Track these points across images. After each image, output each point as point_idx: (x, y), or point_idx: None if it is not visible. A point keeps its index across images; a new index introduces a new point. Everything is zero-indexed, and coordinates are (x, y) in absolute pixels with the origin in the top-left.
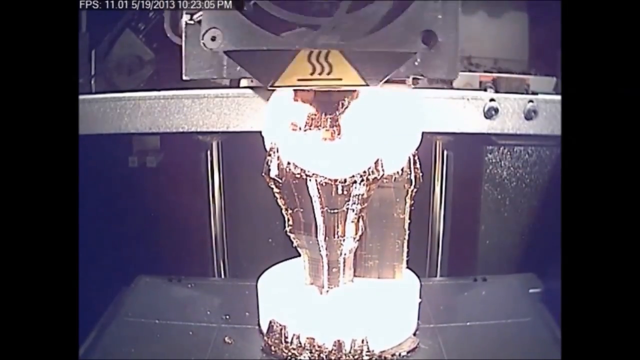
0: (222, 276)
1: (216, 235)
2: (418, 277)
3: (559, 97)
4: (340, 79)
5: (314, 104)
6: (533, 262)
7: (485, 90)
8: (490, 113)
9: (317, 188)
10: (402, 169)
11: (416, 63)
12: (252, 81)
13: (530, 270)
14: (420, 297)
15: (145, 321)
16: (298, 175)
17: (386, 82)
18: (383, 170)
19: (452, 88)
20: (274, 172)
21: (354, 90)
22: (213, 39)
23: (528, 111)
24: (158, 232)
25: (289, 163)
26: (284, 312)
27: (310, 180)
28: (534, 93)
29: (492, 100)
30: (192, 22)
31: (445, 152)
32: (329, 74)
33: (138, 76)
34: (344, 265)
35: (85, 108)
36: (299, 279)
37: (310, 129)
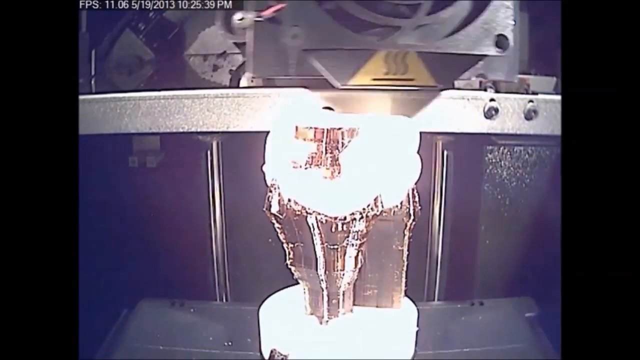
0: (223, 277)
1: (216, 236)
2: (415, 304)
3: (559, 97)
4: (413, 79)
5: (314, 142)
6: (533, 263)
7: (485, 90)
8: (490, 113)
9: (317, 224)
10: (401, 203)
11: (479, 65)
12: (252, 81)
13: (530, 271)
14: (417, 326)
15: (149, 347)
16: (298, 212)
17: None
18: (382, 206)
19: (452, 88)
20: (274, 208)
21: (354, 129)
22: (294, 36)
23: (528, 111)
24: (158, 231)
25: (289, 200)
26: (284, 341)
27: (310, 216)
28: (534, 93)
29: (492, 100)
30: (260, 19)
31: (445, 152)
32: (403, 74)
33: (138, 76)
34: (344, 296)
35: (85, 108)
36: (300, 308)
37: (310, 167)
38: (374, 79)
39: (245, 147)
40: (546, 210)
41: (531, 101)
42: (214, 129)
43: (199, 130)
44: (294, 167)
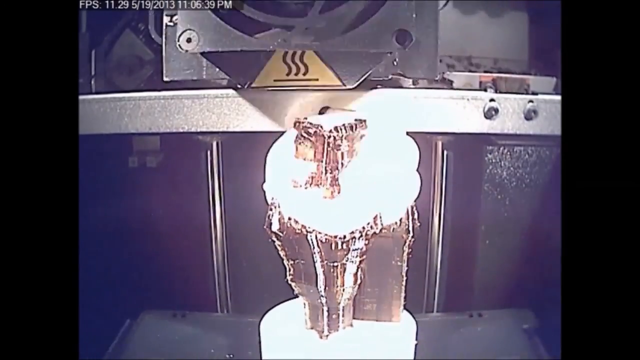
0: (225, 289)
1: (216, 236)
2: (414, 316)
3: (559, 97)
4: (317, 79)
5: (314, 161)
6: (532, 274)
7: (485, 90)
8: (490, 113)
9: (317, 243)
10: (400, 220)
11: (395, 62)
12: None
13: (530, 270)
14: (416, 340)
15: (152, 358)
16: (299, 231)
17: (374, 82)
18: (382, 224)
19: (452, 88)
20: (275, 227)
21: (353, 149)
22: (189, 40)
23: (528, 111)
24: (157, 232)
25: (289, 218)
26: (285, 355)
27: (310, 235)
28: (534, 93)
29: (492, 100)
30: (171, 23)
31: (445, 152)
32: (305, 74)
33: (138, 76)
34: (343, 311)
35: (85, 108)
36: (300, 322)
37: (310, 186)
38: (276, 80)
39: (245, 147)
40: (546, 211)
41: (531, 101)
42: (214, 129)
43: (199, 130)
44: (294, 186)
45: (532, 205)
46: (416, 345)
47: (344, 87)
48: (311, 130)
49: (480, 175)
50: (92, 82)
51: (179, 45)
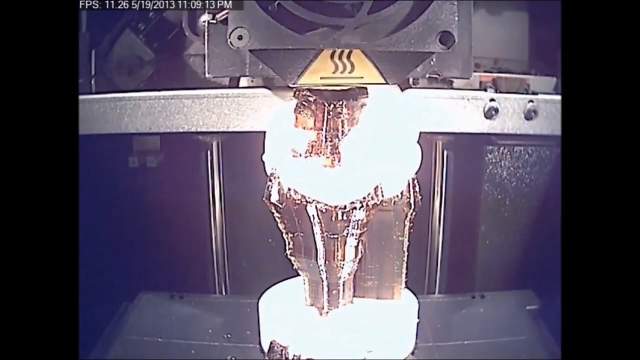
0: (224, 277)
1: (216, 232)
2: (416, 295)
3: (559, 97)
4: (362, 77)
5: (314, 130)
6: (533, 262)
7: (485, 90)
8: (490, 113)
9: (317, 213)
10: (401, 193)
11: (432, 62)
12: (252, 81)
13: (530, 268)
14: (418, 318)
15: (148, 339)
16: (298, 201)
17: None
18: (382, 195)
19: (452, 88)
20: (274, 198)
21: (354, 118)
22: (239, 37)
23: (528, 111)
24: (158, 228)
25: (289, 189)
26: (284, 333)
27: (310, 205)
28: (534, 93)
29: (492, 100)
30: (214, 21)
31: (445, 152)
32: (350, 72)
33: (138, 76)
34: (344, 287)
35: (85, 108)
36: (299, 299)
37: (310, 155)
38: (322, 78)
39: (245, 147)
40: (546, 211)
41: (531, 101)
42: (214, 129)
43: (199, 130)
44: (293, 156)
45: (531, 204)
46: (418, 323)
47: (385, 84)
48: (311, 99)
49: (480, 175)
50: (92, 82)
51: (230, 42)
